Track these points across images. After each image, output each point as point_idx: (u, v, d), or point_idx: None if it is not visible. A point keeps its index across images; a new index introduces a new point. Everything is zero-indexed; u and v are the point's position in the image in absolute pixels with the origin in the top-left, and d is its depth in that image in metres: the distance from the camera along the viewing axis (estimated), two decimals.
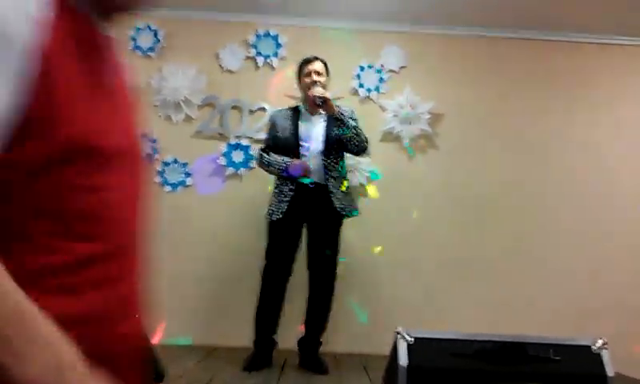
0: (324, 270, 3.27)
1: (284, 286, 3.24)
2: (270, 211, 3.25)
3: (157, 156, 3.91)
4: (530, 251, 3.92)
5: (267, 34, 3.99)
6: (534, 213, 3.95)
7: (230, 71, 3.98)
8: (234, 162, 3.90)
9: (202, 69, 3.96)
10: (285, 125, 3.33)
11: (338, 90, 3.93)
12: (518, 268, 3.90)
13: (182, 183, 3.90)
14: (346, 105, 3.53)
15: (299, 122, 3.33)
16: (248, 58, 4.01)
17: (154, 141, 3.91)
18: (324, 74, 3.36)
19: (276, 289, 3.21)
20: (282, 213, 3.19)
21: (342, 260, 3.45)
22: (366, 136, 3.27)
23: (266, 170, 3.34)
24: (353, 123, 3.23)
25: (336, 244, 3.29)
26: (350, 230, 3.84)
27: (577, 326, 3.57)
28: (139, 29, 3.97)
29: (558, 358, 1.90)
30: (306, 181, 3.20)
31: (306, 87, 3.31)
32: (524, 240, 3.93)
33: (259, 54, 4.00)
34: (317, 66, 3.34)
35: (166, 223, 3.82)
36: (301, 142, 3.26)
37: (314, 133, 3.31)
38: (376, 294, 3.85)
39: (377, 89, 4.01)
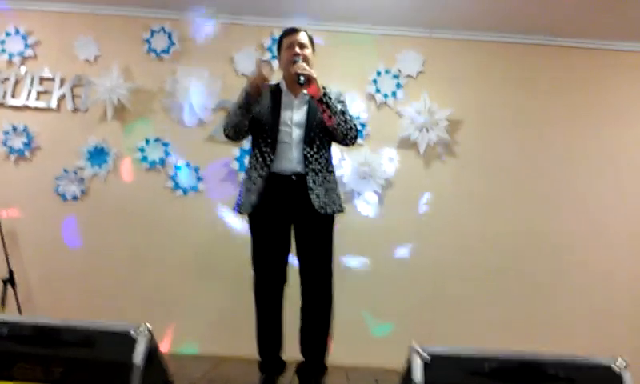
0: (316, 281, 2.72)
1: (280, 297, 2.75)
2: (238, 202, 2.75)
3: (169, 159, 3.87)
4: (550, 265, 3.81)
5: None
6: (553, 225, 3.85)
7: (245, 75, 3.94)
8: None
9: (217, 72, 3.93)
10: (264, 102, 2.78)
11: (355, 94, 3.88)
12: (536, 281, 3.79)
13: (194, 188, 3.86)
14: (334, 86, 2.95)
15: (281, 102, 2.80)
16: (263, 61, 3.95)
17: (167, 144, 3.88)
18: (309, 46, 2.84)
19: (271, 302, 2.74)
20: (251, 205, 2.67)
21: (349, 264, 3.37)
22: (355, 123, 2.79)
23: (232, 125, 2.74)
24: (340, 107, 2.73)
25: (327, 248, 2.75)
26: (361, 237, 3.79)
27: (594, 344, 3.49)
28: (154, 31, 3.95)
29: (577, 377, 1.82)
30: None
31: (287, 62, 2.78)
32: (542, 253, 3.82)
33: (274, 57, 3.95)
34: (300, 37, 2.82)
35: (176, 228, 3.80)
36: (281, 127, 2.73)
37: (296, 116, 2.77)
38: (389, 304, 3.77)
39: (394, 94, 3.95)
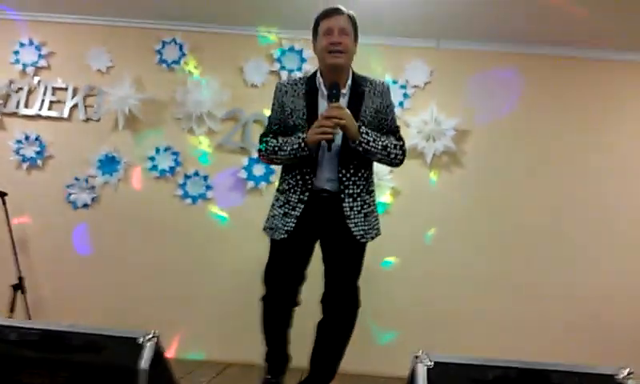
0: (345, 302, 2.52)
1: (289, 318, 2.56)
2: (272, 226, 2.47)
3: (178, 168, 3.92)
4: (555, 274, 3.79)
5: (292, 49, 3.99)
6: (561, 236, 3.83)
7: (254, 85, 3.98)
8: (254, 176, 3.88)
9: (226, 82, 3.97)
10: (297, 105, 2.41)
11: None
12: (542, 291, 3.78)
13: (203, 196, 3.89)
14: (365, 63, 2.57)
15: (318, 103, 2.41)
16: (272, 72, 4.00)
17: (177, 153, 3.92)
18: (350, 32, 2.39)
19: (281, 322, 2.55)
20: (287, 231, 2.40)
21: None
22: (401, 144, 2.49)
23: (275, 160, 2.48)
24: (381, 144, 2.37)
25: (358, 270, 2.54)
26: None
27: (599, 353, 3.46)
28: (165, 42, 4.01)
29: None
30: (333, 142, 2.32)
31: (324, 52, 2.36)
32: (549, 263, 3.80)
33: (283, 68, 3.99)
34: (340, 20, 2.37)
35: (184, 235, 3.83)
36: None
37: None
38: (393, 311, 3.76)
39: (401, 104, 3.96)
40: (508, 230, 3.84)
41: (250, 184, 3.87)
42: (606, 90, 3.95)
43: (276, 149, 2.42)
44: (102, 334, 2.08)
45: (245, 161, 3.90)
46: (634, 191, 3.88)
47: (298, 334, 2.65)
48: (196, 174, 3.90)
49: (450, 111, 3.92)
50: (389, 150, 2.41)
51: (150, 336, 2.07)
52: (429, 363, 1.81)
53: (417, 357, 1.82)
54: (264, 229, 2.54)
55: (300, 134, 2.35)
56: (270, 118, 2.55)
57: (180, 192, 3.90)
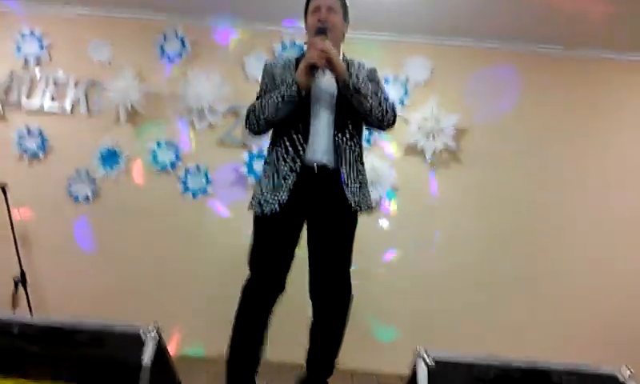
0: (337, 291, 2.43)
1: (272, 306, 2.40)
2: (262, 200, 2.32)
3: (179, 163, 3.92)
4: (554, 273, 3.82)
5: (293, 43, 3.98)
6: (560, 235, 3.86)
7: (256, 80, 3.96)
8: (255, 172, 3.88)
9: (227, 77, 3.96)
10: (287, 77, 2.37)
11: None
12: (542, 290, 3.81)
13: (203, 191, 3.90)
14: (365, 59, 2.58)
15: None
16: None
17: (177, 147, 3.92)
18: (338, 10, 2.42)
19: (263, 313, 2.39)
20: (279, 203, 2.28)
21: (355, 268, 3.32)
22: (392, 103, 2.46)
23: (263, 118, 2.34)
24: (371, 88, 2.35)
25: (350, 247, 2.44)
26: (367, 241, 3.81)
27: (602, 352, 3.48)
28: (166, 35, 3.99)
29: None
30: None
31: (312, 29, 2.39)
32: (548, 262, 3.83)
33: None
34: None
35: (185, 230, 3.84)
36: (312, 106, 2.34)
37: (324, 95, 2.36)
38: (394, 308, 3.78)
39: (401, 101, 3.96)
40: (508, 228, 3.86)
41: (251, 179, 3.87)
42: (606, 89, 3.96)
43: (263, 104, 2.34)
44: (105, 329, 2.09)
45: (245, 156, 3.90)
46: (636, 191, 3.89)
47: (289, 327, 2.64)
48: (197, 168, 3.90)
49: (450, 108, 3.92)
50: (380, 97, 2.38)
51: (152, 331, 2.08)
52: (430, 362, 1.82)
53: (418, 354, 1.84)
54: (250, 206, 2.41)
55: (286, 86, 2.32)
56: (258, 93, 2.49)
57: (180, 186, 3.90)
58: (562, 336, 3.72)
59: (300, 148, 2.31)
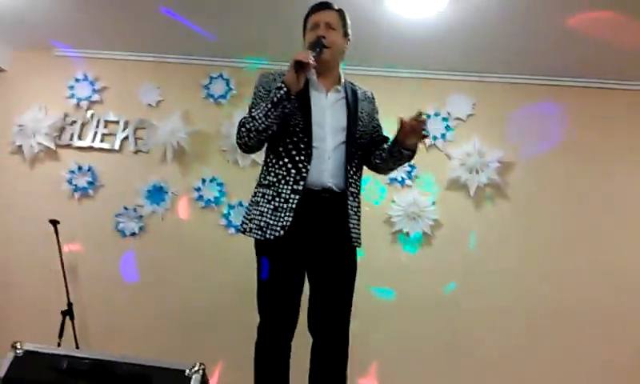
0: (336, 330, 2.24)
1: (289, 352, 2.24)
2: (262, 224, 2.17)
3: (223, 199, 4.00)
4: (603, 313, 3.69)
5: None
6: (612, 274, 3.73)
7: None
8: None
9: None
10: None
11: None
12: (586, 327, 3.68)
13: None
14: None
15: (310, 96, 2.23)
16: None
17: (221, 184, 4.01)
18: (338, 27, 2.28)
19: (282, 362, 2.24)
20: (282, 227, 2.13)
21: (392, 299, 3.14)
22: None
23: (254, 130, 2.15)
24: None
25: (352, 286, 2.28)
26: (407, 275, 3.78)
27: None
28: (212, 77, 4.13)
29: None
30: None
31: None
32: (595, 302, 3.70)
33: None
34: (327, 15, 2.28)
35: (228, 265, 3.89)
36: (313, 128, 2.20)
37: (331, 119, 2.25)
38: (438, 351, 3.72)
39: (443, 136, 3.96)
40: (554, 264, 3.76)
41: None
42: None
43: (253, 114, 2.16)
44: (151, 365, 2.14)
45: None
46: None
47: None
48: (240, 204, 3.98)
49: (494, 144, 3.89)
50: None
51: (197, 368, 2.12)
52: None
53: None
54: (245, 231, 2.24)
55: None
56: (250, 107, 2.28)
57: (224, 222, 3.97)
58: (600, 373, 3.58)
59: (303, 169, 2.16)
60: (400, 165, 2.35)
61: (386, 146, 2.34)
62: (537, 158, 3.88)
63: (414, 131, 2.16)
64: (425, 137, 2.18)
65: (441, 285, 3.79)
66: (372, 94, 2.48)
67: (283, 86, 2.09)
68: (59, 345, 3.45)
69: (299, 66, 2.07)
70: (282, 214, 2.13)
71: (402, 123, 2.17)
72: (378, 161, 2.36)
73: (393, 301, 3.75)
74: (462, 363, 3.68)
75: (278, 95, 2.08)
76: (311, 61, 2.08)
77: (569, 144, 3.88)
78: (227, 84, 4.13)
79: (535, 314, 3.71)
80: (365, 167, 2.42)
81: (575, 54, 3.60)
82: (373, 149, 2.38)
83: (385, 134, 2.44)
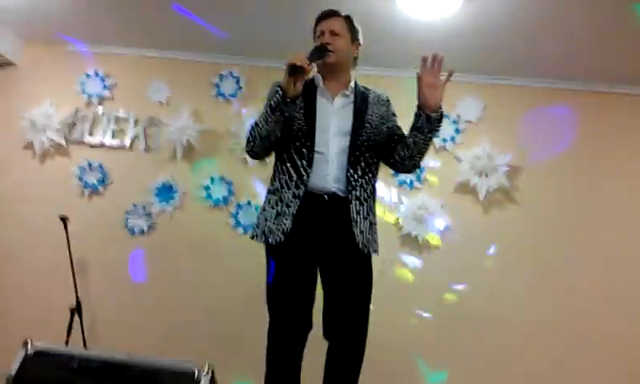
0: (351, 333, 2.23)
1: (302, 349, 2.26)
2: (266, 230, 2.24)
3: (232, 198, 4.00)
4: (611, 319, 3.67)
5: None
6: (621, 278, 3.71)
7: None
8: None
9: None
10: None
11: None
12: (602, 337, 3.66)
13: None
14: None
15: (316, 101, 2.29)
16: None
17: (230, 183, 4.01)
18: (344, 34, 2.31)
19: (293, 357, 2.25)
20: (283, 232, 2.18)
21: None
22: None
23: (260, 138, 2.21)
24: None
25: (367, 292, 2.27)
26: (416, 283, 3.77)
27: None
28: (222, 75, 4.13)
29: None
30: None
31: None
32: (604, 309, 3.69)
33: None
34: (332, 23, 2.31)
35: (237, 264, 3.89)
36: (317, 133, 2.23)
37: (336, 123, 2.28)
38: (444, 350, 3.71)
39: (452, 139, 3.95)
40: (565, 269, 3.75)
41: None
42: None
43: (257, 121, 2.22)
44: (160, 366, 2.14)
45: None
46: None
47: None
48: (248, 203, 3.98)
49: (503, 147, 3.87)
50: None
51: (206, 370, 2.12)
52: None
53: None
54: (254, 236, 2.31)
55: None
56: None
57: (232, 221, 3.98)
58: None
59: (304, 174, 2.20)
60: (431, 138, 2.27)
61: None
62: (546, 161, 3.86)
63: (433, 76, 2.19)
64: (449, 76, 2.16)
65: (449, 290, 3.78)
66: (387, 98, 2.46)
67: (280, 90, 2.12)
68: (67, 342, 3.47)
69: (292, 70, 2.09)
70: (284, 219, 2.19)
71: (420, 76, 2.20)
72: (404, 152, 2.29)
73: None
74: (460, 364, 3.67)
75: (275, 99, 2.13)
76: (306, 65, 2.09)
77: (579, 148, 3.86)
78: (237, 82, 4.13)
79: (545, 322, 3.70)
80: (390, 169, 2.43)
81: (586, 57, 3.58)
82: (393, 145, 2.34)
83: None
